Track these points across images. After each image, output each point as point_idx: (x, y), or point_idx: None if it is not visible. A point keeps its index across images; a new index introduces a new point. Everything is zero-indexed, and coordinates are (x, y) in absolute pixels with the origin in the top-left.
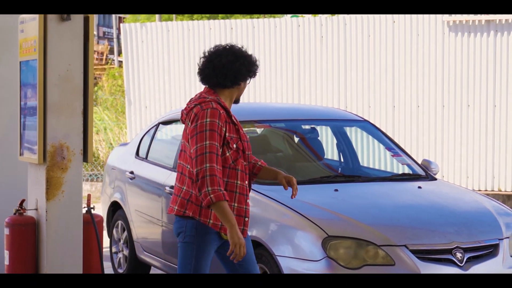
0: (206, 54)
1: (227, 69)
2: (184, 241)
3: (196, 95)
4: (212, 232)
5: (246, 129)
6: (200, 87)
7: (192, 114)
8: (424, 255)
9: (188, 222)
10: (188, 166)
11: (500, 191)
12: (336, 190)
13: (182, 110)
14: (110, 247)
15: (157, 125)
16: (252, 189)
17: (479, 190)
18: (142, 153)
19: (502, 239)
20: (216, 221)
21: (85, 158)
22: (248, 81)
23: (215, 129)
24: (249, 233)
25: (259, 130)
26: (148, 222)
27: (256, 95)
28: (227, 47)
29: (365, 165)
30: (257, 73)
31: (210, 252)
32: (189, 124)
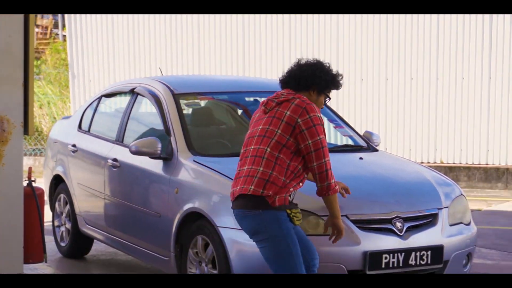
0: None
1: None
2: (270, 238)
3: (281, 92)
4: (287, 217)
5: (189, 101)
6: (141, 59)
7: (293, 106)
8: (364, 224)
9: (264, 216)
10: (269, 149)
11: (442, 163)
12: None
13: (270, 98)
14: (53, 220)
15: (99, 98)
16: (195, 161)
17: (422, 162)
18: (85, 126)
19: (441, 208)
20: (288, 209)
21: (26, 131)
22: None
23: (322, 124)
24: (192, 205)
25: (202, 103)
26: (91, 195)
27: (201, 68)
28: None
29: None
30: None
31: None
32: (287, 112)
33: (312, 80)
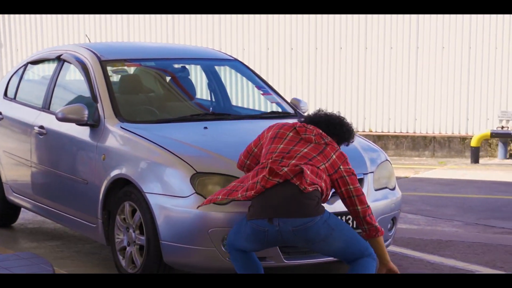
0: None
1: None
2: (336, 229)
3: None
4: None
5: (116, 68)
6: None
7: (338, 152)
8: None
9: (321, 217)
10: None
11: (371, 131)
12: (205, 127)
13: (318, 133)
14: None
15: (25, 65)
16: (122, 128)
17: None
18: (11, 93)
19: (367, 173)
20: None
21: None
22: None
23: None
24: (119, 171)
25: (129, 70)
26: (17, 163)
27: (130, 36)
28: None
29: (236, 104)
30: None
31: None
32: (333, 155)
33: (339, 130)
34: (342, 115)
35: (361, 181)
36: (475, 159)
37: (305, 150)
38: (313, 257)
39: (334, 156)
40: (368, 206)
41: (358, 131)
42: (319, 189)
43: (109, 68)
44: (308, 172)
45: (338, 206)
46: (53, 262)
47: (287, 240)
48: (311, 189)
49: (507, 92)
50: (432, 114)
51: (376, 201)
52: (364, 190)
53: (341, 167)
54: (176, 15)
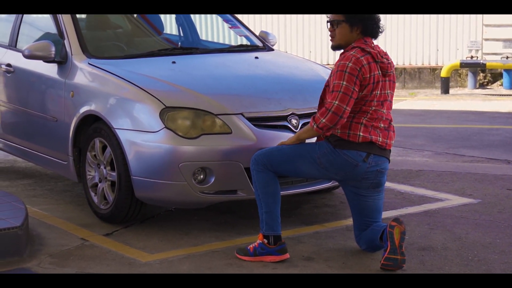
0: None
1: None
2: None
3: (377, 47)
4: None
5: None
6: None
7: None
8: (260, 122)
9: None
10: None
11: None
12: (173, 62)
13: (391, 61)
14: None
15: None
16: (89, 64)
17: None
18: None
19: None
20: None
21: None
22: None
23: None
24: (88, 108)
25: None
26: None
27: None
28: None
29: (205, 38)
30: None
31: None
32: (394, 75)
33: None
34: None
35: None
36: (445, 90)
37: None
38: (284, 189)
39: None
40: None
41: (329, 64)
42: None
43: None
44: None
45: None
46: (26, 200)
47: (366, 178)
48: None
49: (476, 22)
50: (402, 45)
51: None
52: None
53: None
54: None
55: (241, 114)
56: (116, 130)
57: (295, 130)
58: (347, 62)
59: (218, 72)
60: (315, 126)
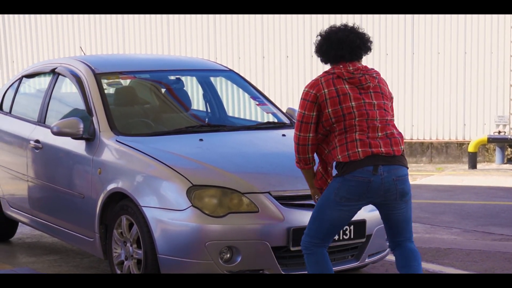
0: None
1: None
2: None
3: (355, 64)
4: None
5: (110, 80)
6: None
7: (385, 81)
8: (287, 201)
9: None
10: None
11: None
12: (201, 139)
13: (364, 74)
14: None
15: (20, 79)
16: (117, 141)
17: None
18: (6, 107)
19: None
20: None
21: None
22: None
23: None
24: (115, 185)
25: (124, 82)
26: (14, 177)
27: (125, 48)
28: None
29: (232, 115)
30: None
31: None
32: (387, 88)
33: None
34: None
35: None
36: (473, 165)
37: (375, 94)
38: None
39: (381, 85)
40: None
41: None
42: None
43: (103, 81)
44: None
45: None
46: None
47: (388, 190)
48: None
49: (503, 96)
50: (429, 119)
51: (373, 211)
52: None
53: (387, 89)
54: (171, 27)
55: (268, 192)
56: (143, 208)
57: None
58: (305, 89)
59: (245, 150)
60: (297, 165)
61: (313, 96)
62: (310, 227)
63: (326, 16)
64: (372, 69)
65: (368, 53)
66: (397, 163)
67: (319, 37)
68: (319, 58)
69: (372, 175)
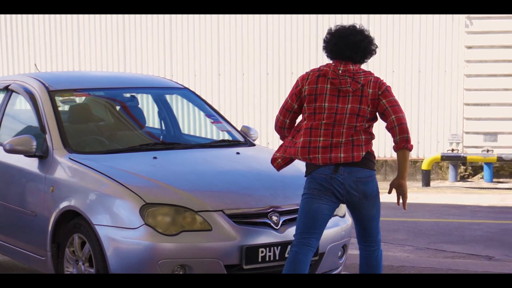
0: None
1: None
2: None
3: (347, 65)
4: None
5: (64, 98)
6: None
7: (375, 83)
8: (240, 219)
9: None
10: (366, 125)
11: None
12: (155, 157)
13: (346, 77)
14: None
15: None
16: (70, 159)
17: None
18: None
19: None
20: None
21: None
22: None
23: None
24: (68, 203)
25: (78, 99)
26: None
27: (81, 65)
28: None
29: (186, 132)
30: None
31: None
32: (371, 90)
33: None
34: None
35: None
36: (426, 182)
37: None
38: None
39: (371, 90)
40: (404, 115)
41: None
42: None
43: (57, 98)
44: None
45: (289, 234)
46: None
47: (349, 191)
48: None
49: (457, 115)
50: (384, 137)
51: (326, 229)
52: None
53: (384, 93)
54: (127, 43)
55: (222, 211)
56: (96, 226)
57: (275, 227)
58: (298, 79)
59: (199, 168)
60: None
61: (297, 89)
62: (296, 225)
63: (282, 33)
64: (364, 72)
65: (373, 54)
66: (358, 165)
67: (328, 35)
68: (325, 54)
69: (333, 173)
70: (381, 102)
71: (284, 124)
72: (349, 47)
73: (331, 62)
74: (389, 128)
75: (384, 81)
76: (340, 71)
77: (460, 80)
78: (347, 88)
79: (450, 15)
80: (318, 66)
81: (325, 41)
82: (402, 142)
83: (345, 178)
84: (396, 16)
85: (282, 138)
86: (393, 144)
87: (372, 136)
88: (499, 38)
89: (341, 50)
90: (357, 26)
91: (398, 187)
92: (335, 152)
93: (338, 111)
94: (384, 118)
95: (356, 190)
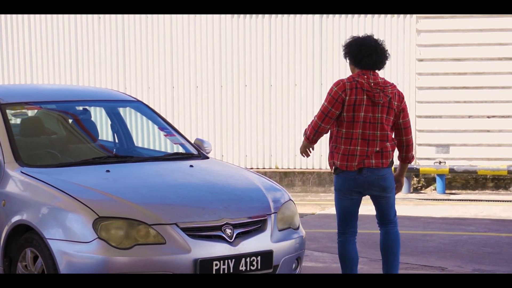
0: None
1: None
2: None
3: (376, 77)
4: None
5: (16, 111)
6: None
7: (399, 97)
8: (194, 232)
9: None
10: (391, 133)
11: (277, 168)
12: (108, 171)
13: (378, 91)
14: None
15: None
16: (22, 172)
17: (257, 169)
18: None
19: (270, 214)
20: None
21: None
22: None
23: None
24: (20, 217)
25: (30, 112)
26: None
27: (33, 78)
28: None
29: (140, 145)
30: None
31: None
32: (397, 103)
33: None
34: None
35: (264, 221)
36: None
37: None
38: None
39: (396, 102)
40: (412, 137)
41: (264, 168)
42: None
43: (8, 112)
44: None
45: (242, 247)
46: None
47: (371, 185)
48: None
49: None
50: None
51: (280, 241)
52: (268, 230)
53: (402, 104)
54: (79, 55)
55: (175, 224)
56: (48, 241)
57: (229, 240)
58: (333, 87)
59: (152, 181)
60: (304, 136)
61: (339, 98)
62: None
63: (235, 45)
64: (390, 85)
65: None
66: (380, 166)
67: (349, 42)
68: (347, 61)
69: (357, 174)
70: (398, 121)
71: (325, 130)
72: (379, 57)
73: (358, 71)
74: (398, 145)
75: (402, 92)
76: (372, 84)
77: (412, 93)
78: (379, 101)
79: (402, 28)
80: (350, 76)
81: (352, 52)
82: (407, 159)
83: (368, 176)
84: (343, 27)
85: (312, 142)
86: (398, 155)
87: (395, 142)
88: (449, 51)
89: (375, 62)
90: (371, 35)
91: (398, 181)
92: (368, 159)
93: (372, 120)
94: (396, 132)
95: (377, 186)
